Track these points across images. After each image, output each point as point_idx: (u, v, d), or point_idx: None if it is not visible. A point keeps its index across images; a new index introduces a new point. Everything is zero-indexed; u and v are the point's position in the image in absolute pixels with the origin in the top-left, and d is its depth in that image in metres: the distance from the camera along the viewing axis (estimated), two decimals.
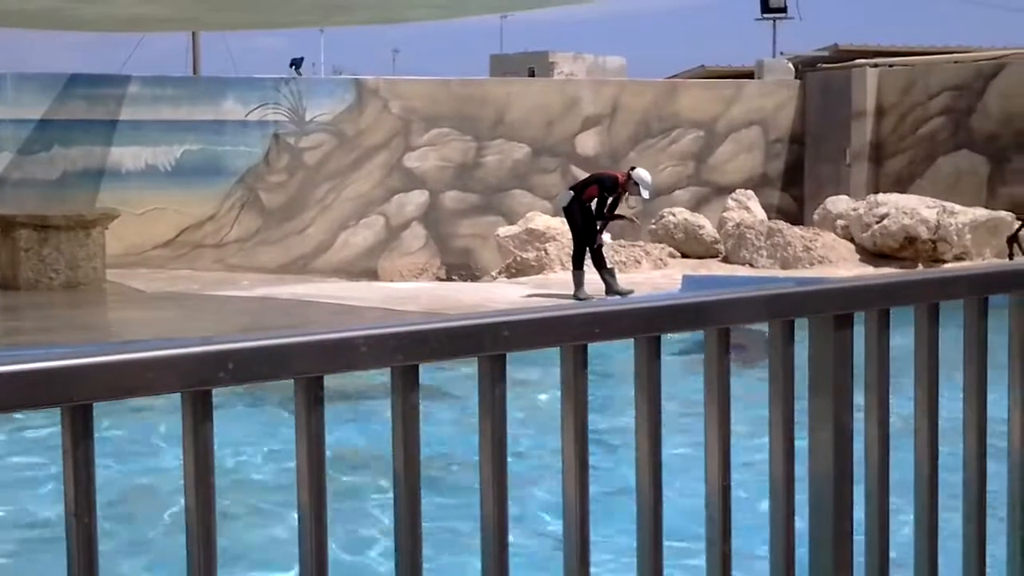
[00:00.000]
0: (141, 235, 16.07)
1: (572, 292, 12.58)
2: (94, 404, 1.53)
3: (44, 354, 1.50)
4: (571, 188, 12.96)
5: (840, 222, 15.48)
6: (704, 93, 18.47)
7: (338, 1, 13.44)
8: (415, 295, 13.40)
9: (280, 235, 16.89)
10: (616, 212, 12.80)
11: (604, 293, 12.58)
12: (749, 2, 23.14)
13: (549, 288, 13.38)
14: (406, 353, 1.76)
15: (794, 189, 18.54)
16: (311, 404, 1.69)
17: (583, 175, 14.13)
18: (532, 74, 24.53)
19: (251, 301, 13.33)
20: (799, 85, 18.71)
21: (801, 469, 2.16)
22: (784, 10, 20.36)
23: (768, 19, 23.11)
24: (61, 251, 14.06)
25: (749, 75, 19.70)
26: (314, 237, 17.01)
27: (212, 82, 17.35)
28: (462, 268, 17.05)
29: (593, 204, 12.59)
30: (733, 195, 16.25)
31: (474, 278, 16.24)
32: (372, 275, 16.63)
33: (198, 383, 1.59)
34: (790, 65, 19.43)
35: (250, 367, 1.63)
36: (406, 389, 1.78)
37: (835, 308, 2.19)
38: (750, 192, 16.39)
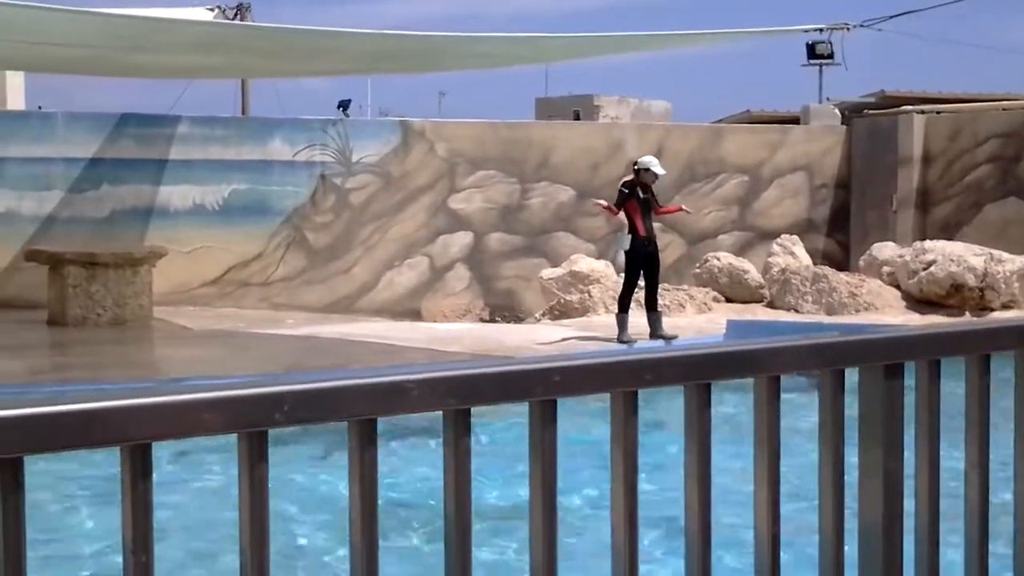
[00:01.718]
0: (188, 273, 16.22)
1: (616, 336, 12.56)
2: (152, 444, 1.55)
3: (104, 393, 1.53)
4: (628, 231, 12.61)
5: (886, 268, 15.39)
6: (750, 138, 18.46)
7: (386, 51, 13.57)
8: (459, 336, 13.43)
9: (325, 275, 16.98)
10: (662, 209, 12.81)
11: (648, 337, 12.55)
12: (795, 48, 23.15)
13: (593, 331, 13.36)
14: (458, 397, 1.78)
15: (839, 235, 18.47)
16: (364, 445, 1.71)
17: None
18: (577, 117, 24.62)
19: (296, 340, 13.41)
20: (845, 131, 18.66)
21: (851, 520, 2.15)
22: (831, 56, 20.34)
23: (814, 65, 23.12)
24: (109, 288, 14.21)
25: (795, 120, 19.68)
26: (359, 277, 17.09)
27: (260, 123, 17.53)
28: (505, 310, 17.07)
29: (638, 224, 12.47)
30: (778, 240, 16.19)
31: (517, 320, 16.26)
32: (416, 315, 16.68)
33: (254, 424, 1.61)
34: (836, 111, 19.39)
35: (305, 409, 1.65)
36: (458, 433, 1.79)
37: (885, 358, 2.18)
38: (795, 237, 16.34)
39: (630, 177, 12.86)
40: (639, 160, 12.93)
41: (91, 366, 11.74)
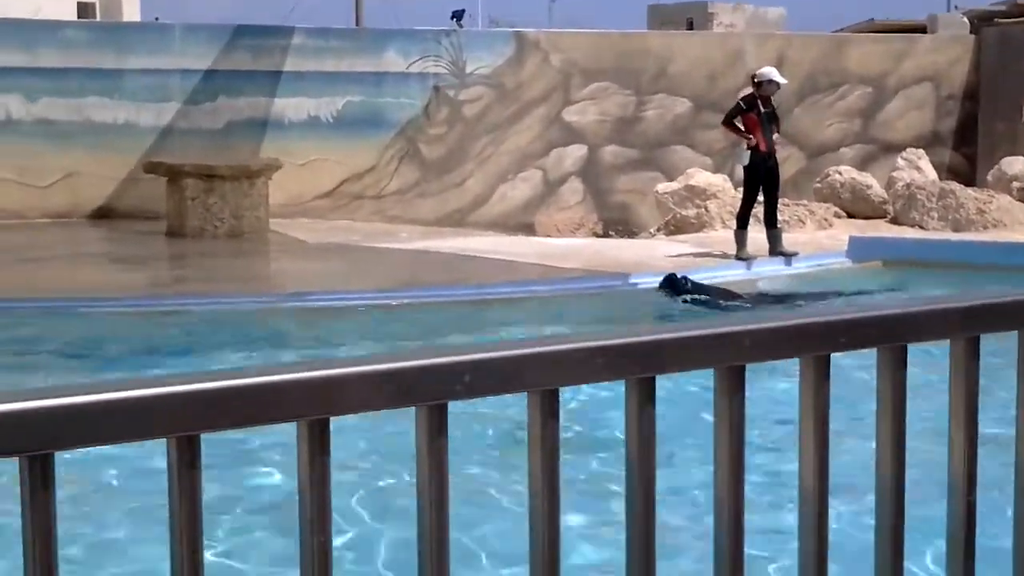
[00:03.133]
0: (302, 185, 16.27)
1: (735, 252, 12.34)
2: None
3: (279, 367, 1.44)
4: (747, 145, 12.26)
5: (1016, 184, 14.89)
6: (874, 48, 17.89)
7: None
8: (574, 251, 13.32)
9: (438, 188, 16.93)
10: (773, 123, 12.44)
11: (768, 254, 12.32)
12: None
13: (709, 247, 13.15)
14: (643, 365, 1.66)
15: (966, 148, 17.89)
16: (546, 418, 1.60)
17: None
18: (691, 24, 24.11)
19: (410, 254, 13.40)
20: (974, 40, 17.99)
21: None
22: None
23: None
24: (226, 200, 14.31)
25: (921, 29, 19.02)
26: (472, 190, 17.01)
27: (374, 34, 17.42)
28: (619, 224, 16.88)
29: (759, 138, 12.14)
30: (903, 154, 15.74)
31: (631, 234, 16.07)
32: (529, 229, 16.58)
33: (434, 396, 1.51)
34: (965, 19, 18.70)
35: (485, 380, 1.54)
36: (641, 402, 1.67)
37: None
38: (920, 151, 15.86)
39: (749, 91, 12.53)
40: (758, 72, 12.57)
41: (210, 279, 11.86)
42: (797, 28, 21.71)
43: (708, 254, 12.72)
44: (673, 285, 10.43)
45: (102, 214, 15.93)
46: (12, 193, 15.56)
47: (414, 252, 13.49)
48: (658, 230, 15.02)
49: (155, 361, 8.43)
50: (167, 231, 14.43)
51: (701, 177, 15.13)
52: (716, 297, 10.40)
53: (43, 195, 15.74)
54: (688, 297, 10.33)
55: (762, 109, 12.18)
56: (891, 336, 1.84)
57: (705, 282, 10.70)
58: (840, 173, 15.37)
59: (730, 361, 1.72)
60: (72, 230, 15.16)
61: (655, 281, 10.98)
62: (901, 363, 1.86)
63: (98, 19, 25.73)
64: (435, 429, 1.53)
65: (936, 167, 15.92)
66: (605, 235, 16.40)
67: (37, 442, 1.24)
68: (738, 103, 12.41)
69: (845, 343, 1.80)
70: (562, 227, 16.77)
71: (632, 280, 11.35)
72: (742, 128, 12.21)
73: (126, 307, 10.21)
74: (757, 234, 12.43)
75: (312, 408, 1.44)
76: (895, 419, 1.86)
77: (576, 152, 17.14)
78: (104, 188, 15.99)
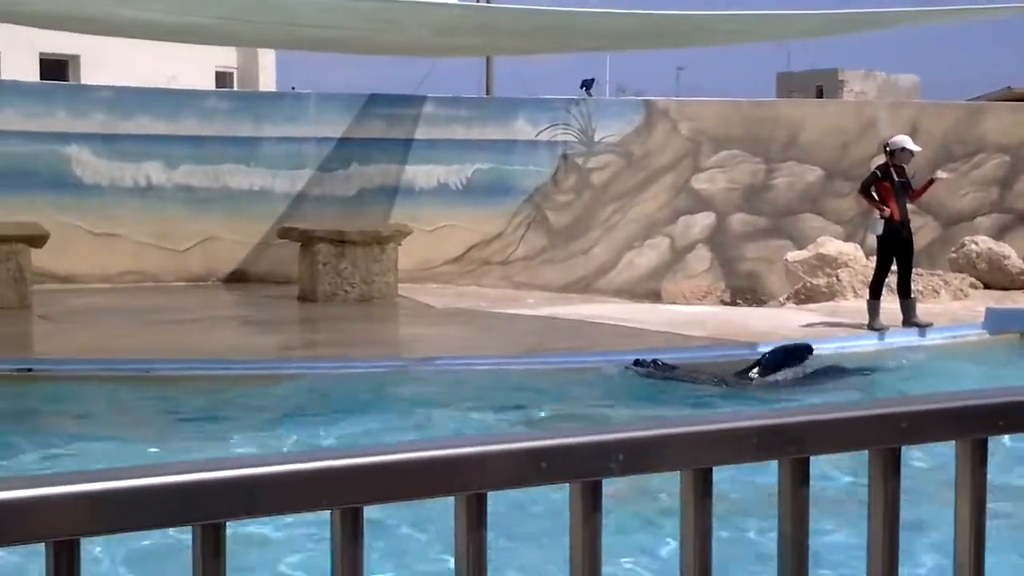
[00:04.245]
0: (431, 251, 16.47)
1: (867, 322, 12.14)
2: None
3: (441, 441, 1.46)
4: (880, 215, 12.09)
5: None
6: (1011, 116, 17.56)
7: (634, 30, 13.41)
8: (701, 319, 13.23)
9: (565, 254, 17.00)
10: (919, 187, 12.23)
11: (901, 325, 12.10)
12: None
13: (840, 317, 12.96)
14: (797, 445, 1.65)
15: None
16: (699, 498, 1.60)
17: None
18: (820, 92, 23.97)
19: (536, 320, 13.44)
20: None
21: None
22: None
23: None
24: (357, 266, 14.54)
25: None
26: (598, 257, 17.04)
27: (504, 103, 17.64)
28: (747, 292, 16.74)
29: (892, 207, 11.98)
30: None
31: (760, 303, 15.92)
32: (655, 297, 16.53)
33: (588, 473, 1.52)
34: None
35: (639, 458, 1.55)
36: (795, 483, 1.66)
37: None
38: None
39: (883, 161, 12.40)
40: (891, 140, 12.43)
41: (340, 343, 12.01)
42: (930, 96, 21.43)
43: (840, 324, 12.53)
44: (640, 365, 10.24)
45: (236, 278, 16.30)
46: (152, 257, 16.02)
47: (540, 318, 13.53)
48: (787, 299, 14.86)
49: (290, 423, 8.57)
50: (299, 295, 14.69)
51: (832, 246, 14.95)
52: (684, 377, 10.10)
53: (181, 259, 16.17)
54: (658, 374, 10.11)
55: (896, 178, 12.03)
56: None
57: (673, 363, 10.35)
58: (976, 243, 15.06)
59: (886, 443, 1.70)
60: (208, 293, 15.54)
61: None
62: None
63: (235, 88, 26.47)
64: (589, 506, 1.53)
65: None
66: (732, 303, 16.26)
67: (211, 512, 1.28)
68: (874, 171, 12.29)
69: (1003, 426, 1.77)
70: (689, 295, 16.68)
71: (760, 349, 11.22)
72: (876, 198, 12.06)
73: (259, 369, 10.41)
74: (890, 304, 12.22)
75: (469, 484, 1.46)
76: None
77: (704, 220, 17.08)
78: (239, 252, 16.38)
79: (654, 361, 10.31)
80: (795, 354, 10.49)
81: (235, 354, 10.93)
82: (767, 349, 10.62)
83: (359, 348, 11.60)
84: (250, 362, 10.61)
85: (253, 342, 12.30)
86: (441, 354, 11.06)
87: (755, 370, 10.28)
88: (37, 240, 13.54)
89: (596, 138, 16.98)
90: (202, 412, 9.04)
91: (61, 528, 1.22)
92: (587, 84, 18.78)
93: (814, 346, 10.73)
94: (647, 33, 13.75)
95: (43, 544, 1.24)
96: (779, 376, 10.20)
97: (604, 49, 19.36)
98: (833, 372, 10.43)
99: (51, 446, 7.99)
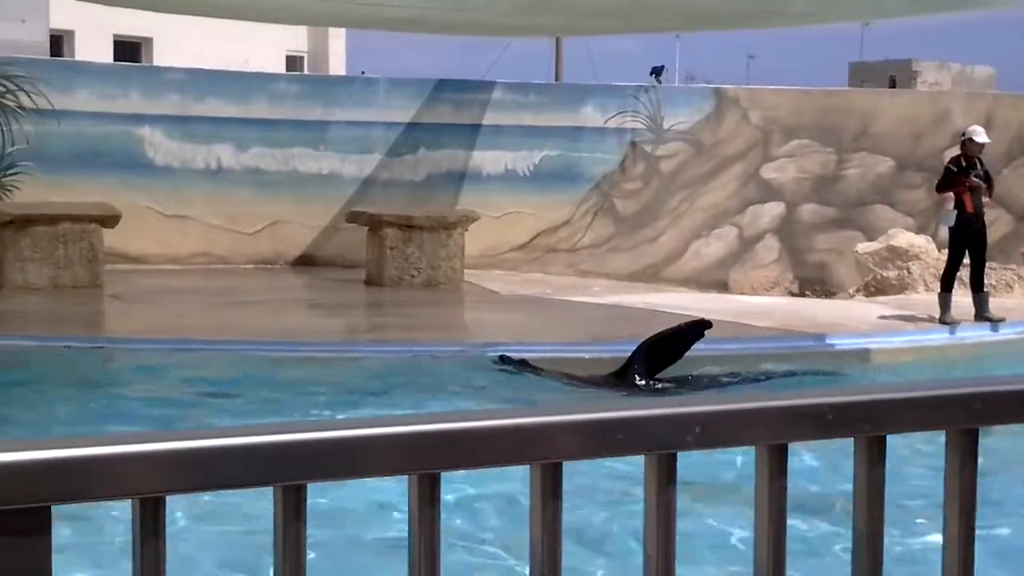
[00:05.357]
0: (498, 237, 16.48)
1: (938, 316, 12.00)
2: (562, 463, 1.49)
3: (519, 410, 1.47)
4: (954, 207, 11.98)
5: None
6: None
7: (702, 11, 13.31)
8: (768, 310, 13.15)
9: (632, 243, 16.94)
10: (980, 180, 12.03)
11: (973, 319, 11.94)
12: None
13: (911, 310, 12.82)
14: (874, 423, 1.64)
15: None
16: (775, 473, 1.59)
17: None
18: (893, 82, 23.70)
19: (602, 308, 13.43)
20: None
21: None
22: None
23: None
24: (424, 250, 14.60)
25: None
26: (666, 246, 16.97)
27: (573, 89, 17.61)
28: (816, 284, 16.58)
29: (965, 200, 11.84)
30: None
31: (828, 294, 15.77)
32: (722, 287, 16.43)
33: (665, 446, 1.53)
34: None
35: (716, 432, 1.55)
36: (871, 462, 1.65)
37: None
38: None
39: (957, 152, 12.24)
40: (968, 130, 12.28)
41: (405, 327, 12.08)
42: (1007, 87, 21.09)
43: (911, 317, 12.40)
44: (503, 361, 9.78)
45: (304, 261, 16.43)
46: (222, 239, 16.19)
47: (606, 306, 13.51)
48: (857, 291, 14.72)
49: (352, 403, 8.64)
50: (365, 279, 14.78)
51: (903, 237, 14.78)
52: (552, 376, 9.55)
53: (250, 241, 16.32)
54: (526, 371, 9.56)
55: (970, 169, 11.87)
56: None
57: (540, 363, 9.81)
58: None
59: (962, 424, 1.69)
60: (275, 276, 15.68)
61: (853, 343, 10.76)
62: None
63: (305, 72, 26.66)
64: (664, 479, 1.54)
65: None
66: (801, 294, 16.13)
67: (292, 473, 1.30)
68: (947, 167, 12.13)
69: None
70: (756, 285, 16.56)
71: (829, 341, 11.13)
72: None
73: (324, 350, 10.49)
74: (962, 298, 12.07)
75: (545, 453, 1.47)
76: None
77: (773, 210, 16.94)
78: (307, 236, 16.50)
79: (521, 360, 9.76)
80: (673, 340, 9.48)
81: (302, 336, 11.03)
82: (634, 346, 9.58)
83: (425, 332, 11.66)
84: (316, 344, 10.69)
85: (319, 324, 12.41)
86: (504, 340, 11.08)
87: (634, 369, 9.33)
88: (109, 220, 13.74)
89: (665, 126, 16.90)
90: (272, 391, 9.12)
91: (147, 485, 1.25)
92: (657, 71, 18.70)
93: (879, 339, 10.56)
94: (718, 14, 13.65)
95: (129, 500, 1.26)
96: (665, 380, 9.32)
97: (674, 30, 19.25)
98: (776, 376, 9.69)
99: (120, 417, 8.15)
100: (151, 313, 12.31)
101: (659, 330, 9.77)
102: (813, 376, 9.75)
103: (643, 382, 9.24)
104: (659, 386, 9.23)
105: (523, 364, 9.74)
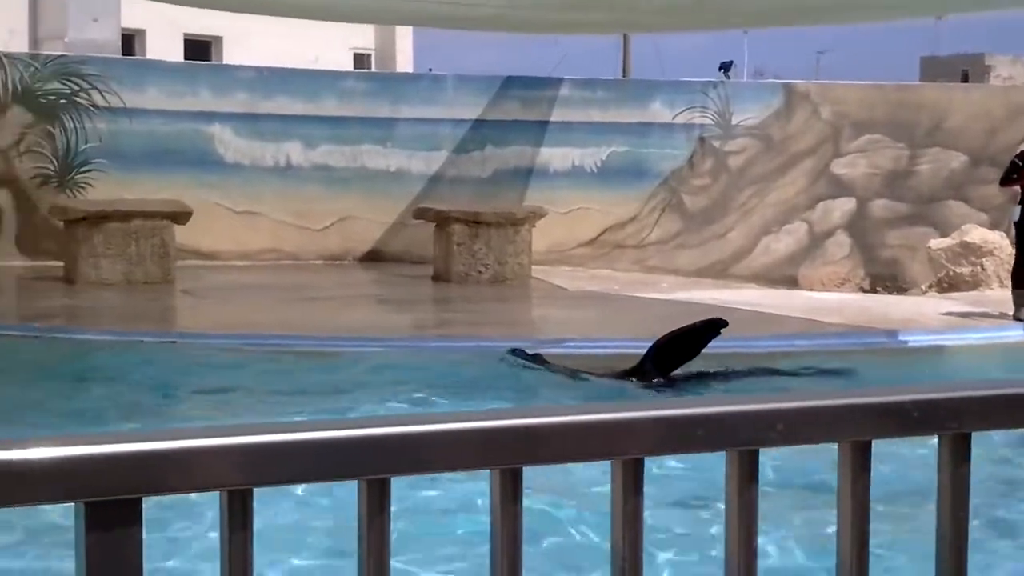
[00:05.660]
0: (565, 234, 16.47)
1: (1012, 312, 11.82)
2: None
3: (595, 405, 1.47)
4: (1020, 201, 11.86)
5: None
6: None
7: (769, 7, 13.21)
8: (839, 306, 13.03)
9: (700, 239, 16.85)
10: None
11: None
12: None
13: (985, 306, 12.64)
14: (960, 421, 1.62)
15: None
16: (858, 471, 1.58)
17: None
18: (966, 77, 23.35)
19: (670, 305, 13.35)
20: None
21: None
22: None
23: None
24: (491, 247, 14.62)
25: None
26: (734, 242, 16.86)
27: (640, 85, 17.55)
28: (887, 280, 16.40)
29: None
30: None
31: (900, 291, 15.60)
32: (791, 283, 16.30)
33: (747, 443, 1.51)
34: None
35: (799, 429, 1.53)
36: (956, 460, 1.63)
37: None
38: None
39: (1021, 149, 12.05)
40: None
41: (473, 323, 12.11)
42: None
43: (984, 314, 12.23)
44: (516, 354, 9.62)
45: (372, 257, 16.52)
46: (290, 235, 16.31)
47: (674, 302, 13.43)
48: (929, 287, 14.55)
49: (420, 400, 8.67)
50: (433, 275, 14.83)
51: (977, 233, 14.58)
52: (559, 372, 9.38)
53: (318, 238, 16.44)
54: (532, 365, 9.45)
55: None
56: None
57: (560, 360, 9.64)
58: None
59: None
60: (344, 272, 15.78)
61: (927, 340, 10.63)
62: None
63: (373, 69, 26.80)
64: (746, 474, 1.53)
65: None
66: (872, 291, 15.96)
67: (377, 467, 1.30)
68: (1012, 161, 11.95)
69: None
70: (827, 281, 16.41)
71: (902, 338, 11.00)
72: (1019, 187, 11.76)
73: (392, 347, 10.53)
74: None
75: (626, 448, 1.46)
76: None
77: (844, 205, 16.78)
78: (375, 232, 16.58)
79: (535, 354, 9.64)
80: (688, 338, 9.35)
81: (370, 332, 11.09)
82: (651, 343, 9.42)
83: (491, 328, 11.68)
84: (386, 339, 10.75)
85: (388, 320, 12.47)
86: (572, 336, 11.07)
87: (649, 366, 9.18)
88: (181, 217, 13.90)
89: (734, 121, 16.79)
90: (340, 386, 9.18)
91: (234, 477, 1.26)
92: (725, 67, 18.60)
93: (952, 336, 10.41)
94: (786, 9, 13.53)
95: (218, 492, 1.28)
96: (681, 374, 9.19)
97: (741, 26, 19.13)
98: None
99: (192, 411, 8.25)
100: (221, 308, 12.44)
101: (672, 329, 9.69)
102: (823, 374, 9.59)
103: (657, 379, 9.20)
104: (673, 383, 9.17)
105: (537, 358, 9.68)
